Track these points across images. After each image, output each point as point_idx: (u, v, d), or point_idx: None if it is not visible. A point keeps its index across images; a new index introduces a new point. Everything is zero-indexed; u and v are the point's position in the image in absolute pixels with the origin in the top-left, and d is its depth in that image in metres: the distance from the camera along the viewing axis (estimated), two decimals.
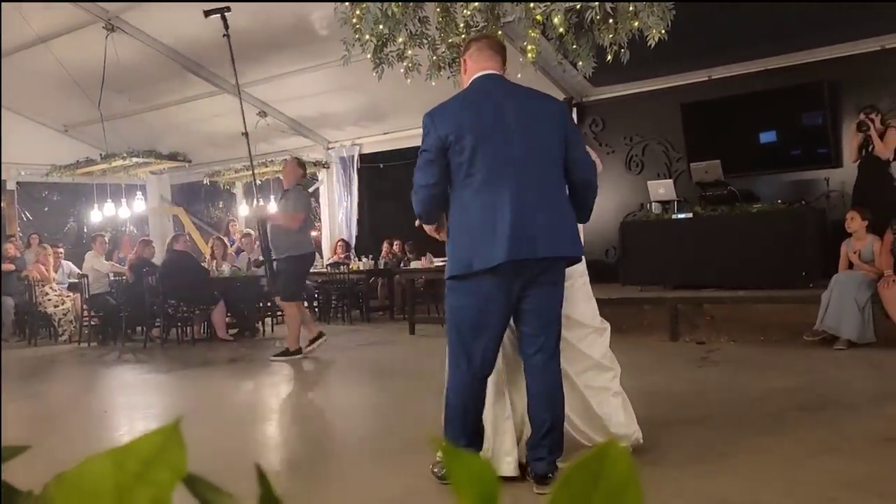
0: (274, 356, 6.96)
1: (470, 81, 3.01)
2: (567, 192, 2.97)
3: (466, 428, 2.95)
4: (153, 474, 0.29)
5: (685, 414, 4.04)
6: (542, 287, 2.89)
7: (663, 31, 4.80)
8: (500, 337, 2.95)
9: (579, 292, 3.30)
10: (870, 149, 6.94)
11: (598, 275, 9.57)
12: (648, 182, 8.36)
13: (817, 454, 3.25)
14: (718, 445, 3.42)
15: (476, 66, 2.99)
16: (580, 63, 5.72)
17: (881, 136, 6.88)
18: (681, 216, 7.73)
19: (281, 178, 11.91)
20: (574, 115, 9.95)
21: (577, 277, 3.28)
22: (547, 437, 2.92)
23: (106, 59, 9.02)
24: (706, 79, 8.88)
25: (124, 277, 9.35)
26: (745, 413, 4.06)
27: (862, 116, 6.97)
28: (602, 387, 3.32)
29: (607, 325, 3.48)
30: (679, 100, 8.94)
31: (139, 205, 12.04)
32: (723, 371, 5.45)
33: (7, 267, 9.88)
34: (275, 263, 6.82)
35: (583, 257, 3.17)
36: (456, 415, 2.96)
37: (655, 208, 8.19)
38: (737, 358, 5.87)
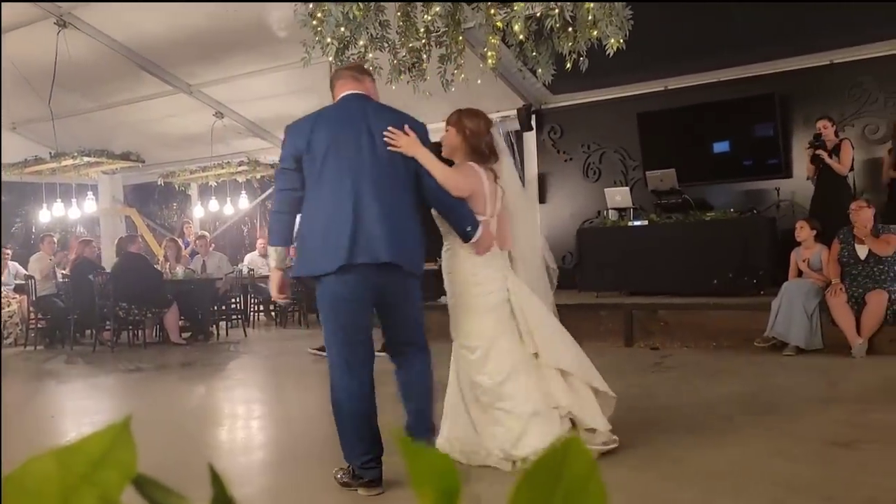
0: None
1: (337, 101, 3.28)
2: (415, 210, 3.19)
3: (357, 431, 3.06)
4: (101, 475, 0.28)
5: (639, 418, 4.09)
6: (392, 291, 3.09)
7: (621, 41, 4.86)
8: (366, 335, 3.12)
9: (472, 305, 3.42)
10: (821, 165, 7.10)
11: (557, 281, 9.74)
12: (605, 189, 8.48)
13: (766, 458, 3.32)
14: (671, 450, 3.47)
15: (342, 88, 3.26)
16: (539, 70, 5.76)
17: (837, 148, 7.06)
18: (637, 223, 7.85)
19: (238, 179, 11.79)
20: (532, 122, 10.05)
21: (473, 292, 3.41)
22: (414, 425, 3.14)
23: (57, 55, 8.80)
24: (662, 89, 9.05)
25: (71, 278, 9.11)
26: (696, 417, 4.13)
27: (819, 126, 7.13)
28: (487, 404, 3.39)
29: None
30: (636, 109, 9.09)
31: (90, 205, 11.74)
32: (675, 376, 5.53)
33: None
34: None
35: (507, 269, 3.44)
36: (344, 417, 3.08)
37: (612, 215, 8.30)
38: (689, 363, 5.98)
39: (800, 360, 5.86)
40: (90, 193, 12.22)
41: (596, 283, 8.06)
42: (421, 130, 3.24)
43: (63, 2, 8.49)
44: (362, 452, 3.04)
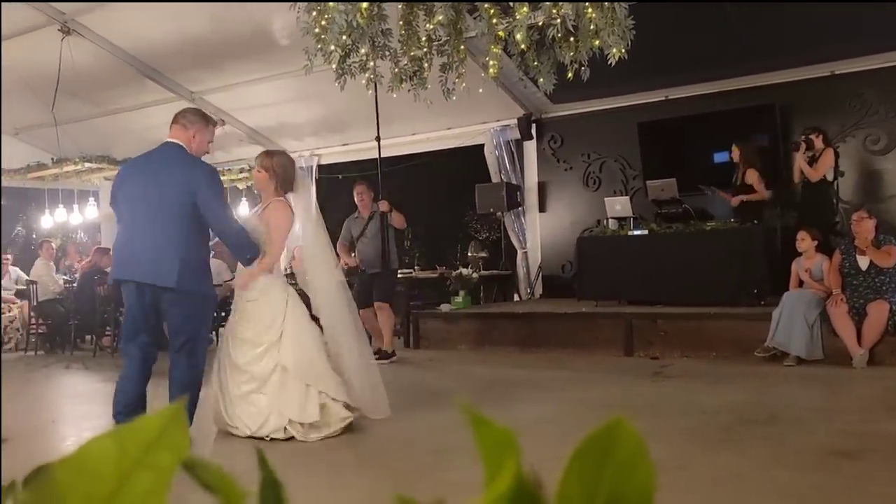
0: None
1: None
2: (185, 237, 3.86)
3: (138, 409, 3.88)
4: (155, 456, 0.29)
5: (639, 427, 4.01)
6: (165, 303, 3.86)
7: (623, 51, 4.89)
8: (152, 334, 3.96)
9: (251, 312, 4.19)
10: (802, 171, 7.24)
11: (554, 290, 9.80)
12: (605, 199, 8.49)
13: (766, 468, 3.32)
14: (672, 459, 3.47)
15: (169, 132, 4.07)
16: (541, 80, 5.79)
17: (820, 155, 7.17)
18: (637, 233, 7.86)
19: (252, 187, 11.80)
20: (533, 131, 10.08)
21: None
22: None
23: (61, 62, 8.83)
24: (663, 99, 9.08)
25: (74, 285, 9.12)
26: (696, 427, 4.13)
27: (802, 137, 7.27)
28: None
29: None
30: (636, 118, 9.11)
31: (91, 211, 11.75)
32: (675, 386, 5.54)
33: None
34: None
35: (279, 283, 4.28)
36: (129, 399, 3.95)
37: (612, 224, 8.31)
38: (689, 373, 5.98)
39: (800, 370, 5.86)
40: (92, 199, 12.23)
41: (595, 292, 8.05)
42: (195, 178, 3.89)
43: (64, 2, 8.51)
44: None
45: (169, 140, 4.02)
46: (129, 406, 3.92)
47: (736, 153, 7.61)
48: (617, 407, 4.70)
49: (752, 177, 7.42)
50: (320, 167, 11.92)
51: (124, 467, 0.28)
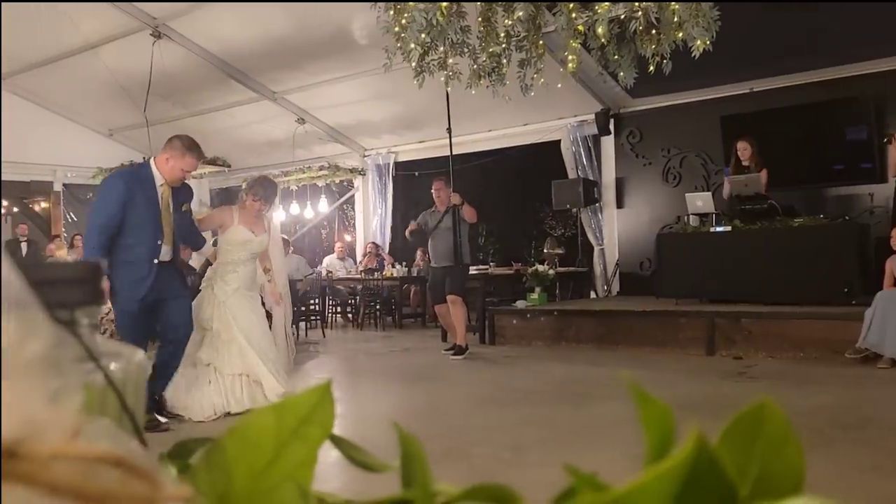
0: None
1: None
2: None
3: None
4: (306, 429, 0.31)
5: (719, 429, 3.98)
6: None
7: (708, 42, 4.77)
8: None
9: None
10: None
11: (632, 287, 9.64)
12: (686, 194, 8.29)
13: (860, 472, 3.19)
14: None
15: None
16: (621, 74, 5.71)
17: None
18: (720, 229, 7.65)
19: (318, 183, 12.08)
20: (611, 127, 9.93)
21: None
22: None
23: (152, 65, 9.23)
24: (748, 91, 8.81)
25: None
26: None
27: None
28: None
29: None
30: (719, 112, 8.87)
31: None
32: (760, 387, 5.37)
33: None
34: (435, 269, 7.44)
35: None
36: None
37: (693, 221, 8.12)
38: (775, 374, 5.79)
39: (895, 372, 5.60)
40: None
41: (675, 289, 7.88)
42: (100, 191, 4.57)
43: (154, 1, 8.88)
44: None
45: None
46: None
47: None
48: (699, 407, 4.59)
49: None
50: (397, 164, 12.07)
51: (281, 439, 0.31)
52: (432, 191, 7.41)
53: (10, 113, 11.00)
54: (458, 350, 7.11)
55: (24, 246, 11.58)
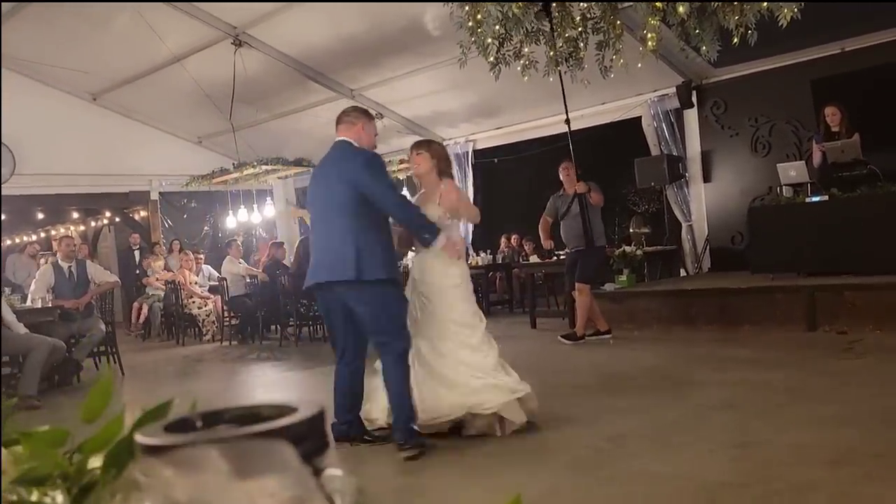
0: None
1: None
2: (360, 227, 3.82)
3: (345, 405, 3.93)
4: None
5: (828, 412, 3.87)
6: (354, 302, 3.80)
7: (795, 10, 4.57)
8: (351, 335, 3.91)
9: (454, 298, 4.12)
10: None
11: (723, 263, 9.38)
12: (778, 165, 7.97)
13: None
14: (867, 446, 3.26)
15: (337, 132, 4.08)
16: (703, 48, 5.54)
17: None
18: (816, 199, 7.34)
19: (398, 177, 12.24)
20: (693, 99, 9.65)
21: (450, 288, 4.11)
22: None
23: (235, 72, 9.54)
24: (839, 51, 8.39)
25: (258, 279, 9.86)
26: None
27: None
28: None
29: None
30: (809, 75, 8.49)
31: (269, 210, 12.63)
32: (869, 363, 5.16)
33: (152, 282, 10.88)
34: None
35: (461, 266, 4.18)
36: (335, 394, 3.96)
37: (786, 192, 7.82)
38: (884, 349, 5.54)
39: None
40: (269, 199, 13.15)
41: (770, 264, 7.62)
42: (357, 166, 3.87)
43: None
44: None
45: (338, 138, 4.04)
46: (340, 416, 3.90)
47: None
48: (801, 390, 4.46)
49: None
50: (476, 152, 12.08)
51: None
52: (560, 171, 7.36)
53: (105, 128, 11.61)
54: (571, 336, 7.16)
55: (136, 254, 12.25)
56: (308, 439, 0.38)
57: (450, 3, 5.41)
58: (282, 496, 0.33)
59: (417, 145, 4.42)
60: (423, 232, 4.01)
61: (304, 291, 8.77)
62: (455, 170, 12.14)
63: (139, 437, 0.38)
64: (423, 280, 4.13)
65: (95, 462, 0.60)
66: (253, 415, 0.42)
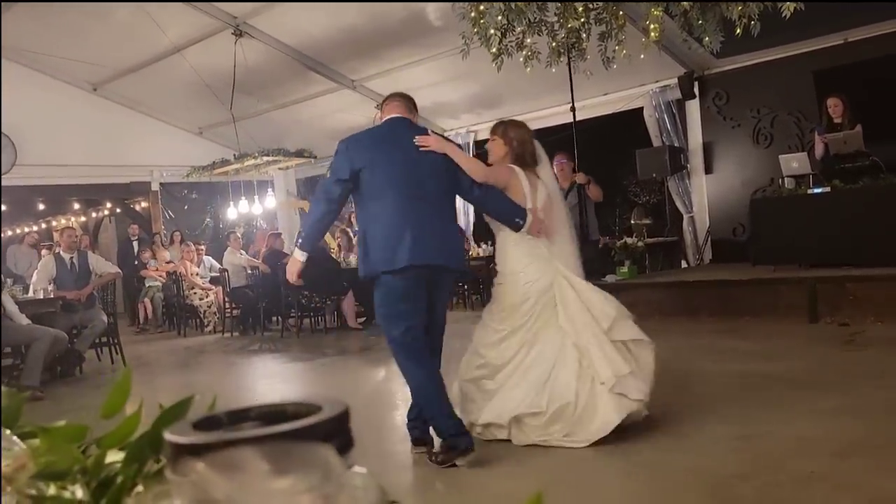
0: None
1: (383, 121, 3.72)
2: (454, 215, 3.73)
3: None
4: None
5: (832, 403, 3.88)
6: (440, 291, 3.61)
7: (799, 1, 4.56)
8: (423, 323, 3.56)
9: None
10: None
11: (725, 255, 9.38)
12: (780, 156, 7.97)
13: None
14: (871, 438, 3.27)
15: (389, 112, 3.70)
16: (706, 39, 5.52)
17: None
18: (818, 191, 7.34)
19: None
20: (695, 90, 9.63)
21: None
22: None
23: (235, 62, 9.51)
24: (841, 42, 8.36)
25: (259, 270, 9.84)
26: None
27: None
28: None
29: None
30: (811, 66, 8.47)
31: (270, 201, 12.61)
32: (872, 355, 5.16)
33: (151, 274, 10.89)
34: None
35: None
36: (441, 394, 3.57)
37: (788, 183, 7.81)
38: (887, 340, 5.54)
39: None
40: (270, 189, 13.14)
41: (772, 255, 7.62)
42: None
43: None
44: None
45: (397, 116, 3.67)
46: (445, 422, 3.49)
47: None
48: (804, 381, 4.47)
49: None
50: (477, 143, 12.06)
51: None
52: (554, 164, 7.33)
53: (106, 118, 11.59)
54: None
55: (135, 245, 12.26)
56: (334, 437, 0.38)
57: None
58: (320, 491, 0.34)
59: (496, 126, 3.94)
60: (514, 215, 3.70)
61: (307, 283, 8.85)
62: None
63: (169, 436, 0.38)
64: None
65: (113, 456, 0.60)
66: (278, 412, 0.42)
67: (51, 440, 0.57)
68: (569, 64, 6.16)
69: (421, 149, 3.52)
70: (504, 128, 3.89)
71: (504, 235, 3.78)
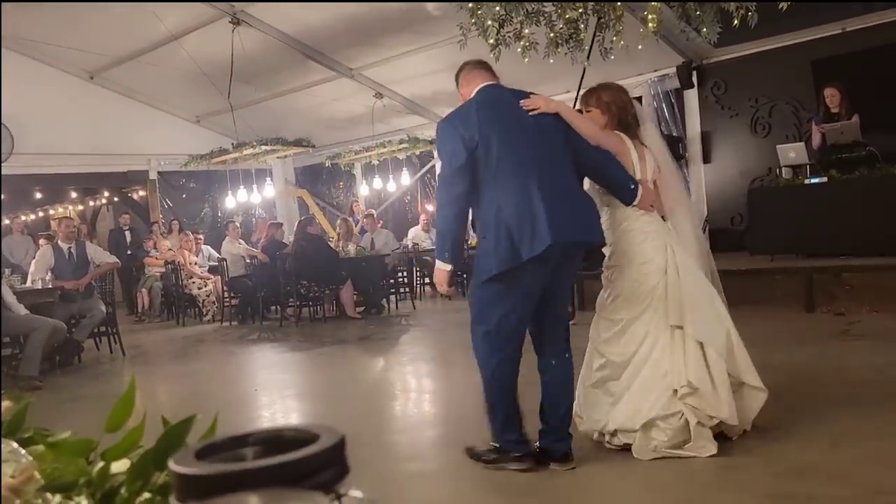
0: None
1: (475, 91, 3.21)
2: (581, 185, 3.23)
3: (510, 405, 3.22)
4: None
5: (827, 393, 3.91)
6: (567, 272, 3.19)
7: None
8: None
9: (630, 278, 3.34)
10: None
11: (722, 244, 9.41)
12: (778, 146, 7.98)
13: None
14: (868, 429, 3.30)
15: (476, 80, 3.25)
16: (703, 30, 5.53)
17: None
18: (815, 181, 7.35)
19: (398, 156, 12.21)
20: (694, 79, 9.62)
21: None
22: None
23: (233, 51, 9.48)
24: (839, 32, 8.35)
25: (258, 259, 9.85)
26: (894, 392, 3.88)
27: None
28: None
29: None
30: (809, 56, 8.47)
31: (269, 189, 12.60)
32: (867, 345, 5.20)
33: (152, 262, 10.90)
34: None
35: None
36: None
37: (786, 173, 7.83)
38: (882, 331, 5.58)
39: None
40: (268, 178, 13.12)
41: (769, 245, 7.65)
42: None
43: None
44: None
45: (490, 83, 3.26)
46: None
47: None
48: (801, 372, 4.50)
49: None
50: None
51: None
52: None
53: (103, 107, 11.56)
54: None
55: (127, 234, 12.24)
56: (331, 467, 0.40)
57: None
58: None
59: (584, 100, 3.52)
60: (627, 182, 3.29)
61: (306, 273, 8.89)
62: None
63: (173, 466, 0.40)
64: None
65: (117, 467, 0.62)
66: (276, 439, 0.44)
67: (58, 454, 0.59)
68: (588, 53, 6.03)
69: (530, 113, 3.11)
70: (597, 95, 3.45)
71: (615, 212, 3.33)
